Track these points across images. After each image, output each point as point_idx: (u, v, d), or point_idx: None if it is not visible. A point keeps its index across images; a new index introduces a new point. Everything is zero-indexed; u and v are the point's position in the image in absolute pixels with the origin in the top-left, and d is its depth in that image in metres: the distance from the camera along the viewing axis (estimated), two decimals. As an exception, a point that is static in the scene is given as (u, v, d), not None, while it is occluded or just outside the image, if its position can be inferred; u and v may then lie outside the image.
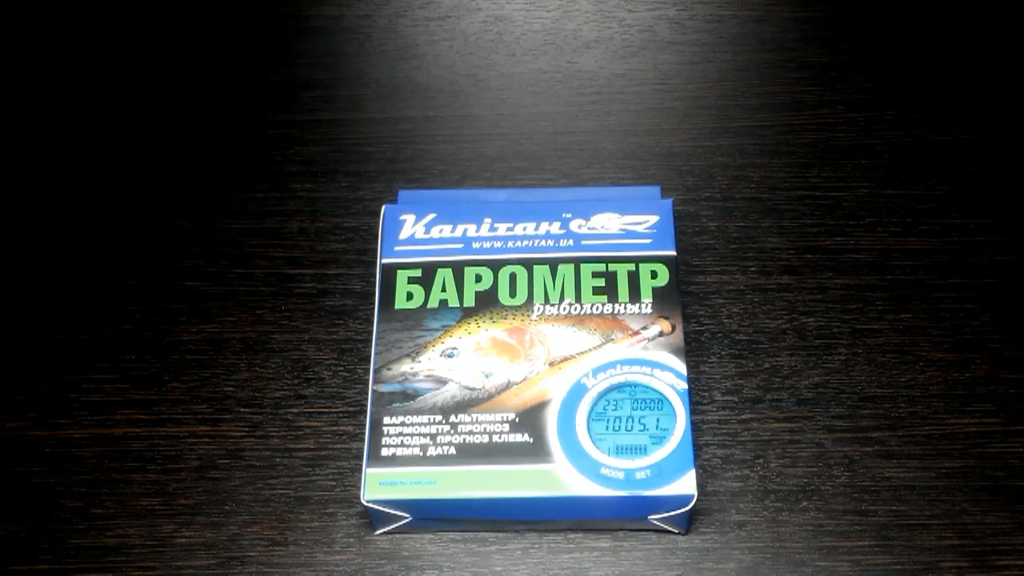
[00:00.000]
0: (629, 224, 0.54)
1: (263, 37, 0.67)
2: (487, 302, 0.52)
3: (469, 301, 0.52)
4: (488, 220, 0.54)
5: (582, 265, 0.53)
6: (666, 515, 0.48)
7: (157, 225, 0.60)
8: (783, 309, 0.56)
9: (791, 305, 0.56)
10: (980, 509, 0.50)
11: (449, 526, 0.50)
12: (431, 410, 0.49)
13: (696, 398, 0.53)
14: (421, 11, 0.68)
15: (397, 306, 0.52)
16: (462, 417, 0.49)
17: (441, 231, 0.54)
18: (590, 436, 0.48)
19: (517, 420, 0.49)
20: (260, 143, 0.63)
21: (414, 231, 0.54)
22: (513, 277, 0.52)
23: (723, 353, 0.55)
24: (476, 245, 0.53)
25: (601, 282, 0.52)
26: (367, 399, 0.51)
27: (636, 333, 0.51)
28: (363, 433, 0.51)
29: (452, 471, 0.48)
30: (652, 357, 0.50)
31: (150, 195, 0.61)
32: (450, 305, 0.52)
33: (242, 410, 0.54)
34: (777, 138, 0.62)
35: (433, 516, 0.49)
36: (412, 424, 0.49)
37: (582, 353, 0.50)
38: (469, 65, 0.66)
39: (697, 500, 0.48)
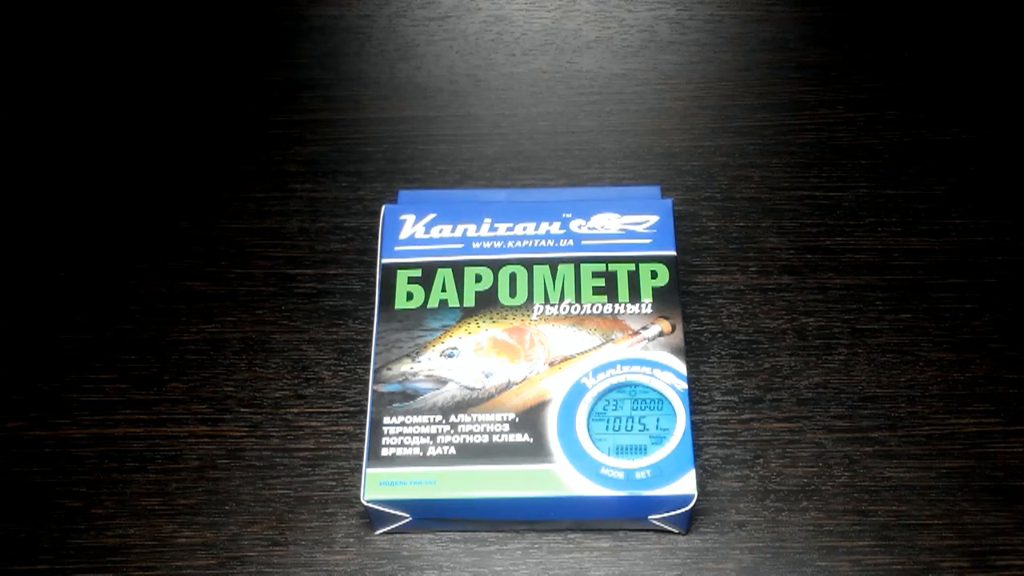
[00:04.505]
0: (629, 224, 0.54)
1: (263, 37, 0.67)
2: (487, 302, 0.52)
3: (469, 301, 0.52)
4: (488, 220, 0.54)
5: (582, 265, 0.53)
6: (666, 515, 0.48)
7: (157, 225, 0.60)
8: (783, 309, 0.56)
9: (791, 305, 0.56)
10: (980, 509, 0.50)
11: (449, 526, 0.50)
12: (431, 410, 0.49)
13: (696, 398, 0.53)
14: (421, 11, 0.68)
15: (397, 306, 0.52)
16: (462, 417, 0.49)
17: (441, 231, 0.54)
18: (590, 436, 0.48)
19: (517, 420, 0.49)
20: (260, 143, 0.63)
21: (414, 231, 0.54)
22: (513, 277, 0.52)
23: (723, 353, 0.55)
24: (476, 245, 0.53)
25: (601, 282, 0.52)
26: (367, 399, 0.51)
27: (636, 333, 0.51)
28: (363, 433, 0.51)
29: (452, 471, 0.48)
30: (652, 357, 0.50)
31: (150, 195, 0.61)
32: (450, 305, 0.52)
33: (242, 410, 0.54)
34: (777, 138, 0.62)
35: (433, 516, 0.49)
36: (412, 424, 0.49)
37: (582, 353, 0.50)
38: (469, 65, 0.66)
39: (697, 500, 0.48)
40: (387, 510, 0.48)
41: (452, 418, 0.49)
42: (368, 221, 0.59)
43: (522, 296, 0.52)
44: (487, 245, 0.53)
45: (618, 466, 0.47)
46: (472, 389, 0.50)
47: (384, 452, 0.48)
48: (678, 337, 0.51)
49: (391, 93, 0.64)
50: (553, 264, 0.53)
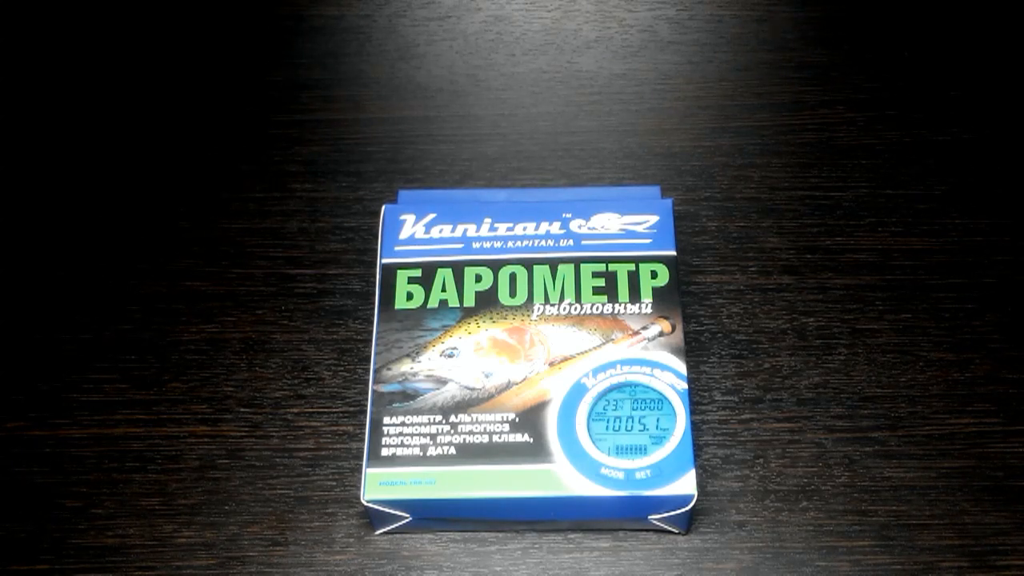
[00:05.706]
0: (629, 224, 0.54)
1: (263, 37, 0.67)
2: (487, 302, 0.52)
3: (469, 301, 0.52)
4: (488, 220, 0.54)
5: (582, 265, 0.53)
6: (666, 515, 0.48)
7: (157, 225, 0.60)
8: (783, 309, 0.56)
9: (791, 305, 0.56)
10: (980, 509, 0.50)
11: (449, 526, 0.50)
12: (431, 410, 0.49)
13: (696, 398, 0.53)
14: (421, 11, 0.68)
15: (397, 306, 0.52)
16: (462, 417, 0.49)
17: (441, 231, 0.54)
18: (590, 436, 0.48)
19: (517, 420, 0.49)
20: (260, 143, 0.63)
21: (414, 231, 0.54)
22: (513, 277, 0.52)
23: (723, 353, 0.55)
24: (476, 245, 0.53)
25: (601, 282, 0.52)
26: (367, 399, 0.51)
27: (636, 333, 0.51)
28: (363, 433, 0.51)
29: (452, 471, 0.48)
30: (652, 357, 0.50)
31: (150, 195, 0.61)
32: (450, 305, 0.52)
33: (242, 410, 0.54)
34: (777, 138, 0.62)
35: (433, 516, 0.49)
36: (412, 424, 0.49)
37: (582, 353, 0.50)
38: (469, 65, 0.66)
39: (697, 500, 0.48)
40: (387, 510, 0.48)
41: (452, 418, 0.49)
42: (368, 221, 0.59)
43: (522, 296, 0.52)
44: (487, 245, 0.53)
45: (618, 466, 0.47)
46: (472, 389, 0.50)
47: (384, 452, 0.48)
48: (678, 337, 0.51)
49: (391, 93, 0.64)
50: (553, 264, 0.53)
